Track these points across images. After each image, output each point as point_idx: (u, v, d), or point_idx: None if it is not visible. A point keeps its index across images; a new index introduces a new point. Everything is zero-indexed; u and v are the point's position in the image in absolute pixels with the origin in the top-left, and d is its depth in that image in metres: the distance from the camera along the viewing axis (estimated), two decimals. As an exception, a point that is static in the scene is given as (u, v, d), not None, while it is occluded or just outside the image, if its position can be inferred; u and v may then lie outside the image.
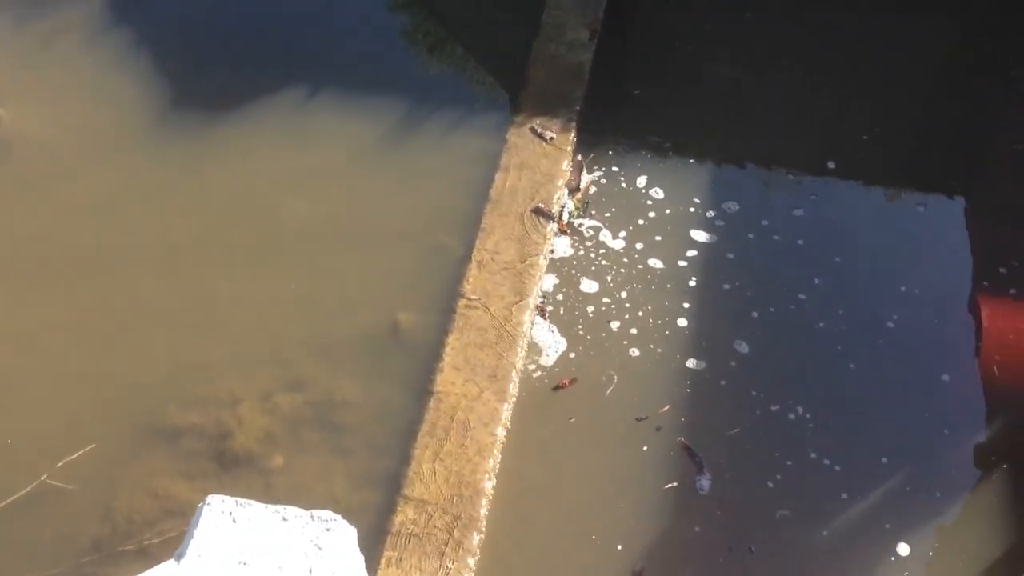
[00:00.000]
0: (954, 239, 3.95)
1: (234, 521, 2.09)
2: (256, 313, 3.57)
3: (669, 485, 3.21)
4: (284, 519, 2.13)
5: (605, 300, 3.67)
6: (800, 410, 3.39)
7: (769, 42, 4.69)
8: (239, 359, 3.41)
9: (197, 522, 2.09)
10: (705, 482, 3.21)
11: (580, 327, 3.59)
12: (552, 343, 3.55)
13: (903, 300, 3.71)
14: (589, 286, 3.71)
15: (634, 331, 3.59)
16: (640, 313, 3.63)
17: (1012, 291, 3.71)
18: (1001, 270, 3.80)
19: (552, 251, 3.78)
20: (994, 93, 4.54)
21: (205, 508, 2.11)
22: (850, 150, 4.24)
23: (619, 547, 3.08)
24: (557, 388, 3.44)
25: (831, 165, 4.17)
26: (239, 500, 2.13)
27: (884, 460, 3.27)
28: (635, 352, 3.54)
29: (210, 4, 4.81)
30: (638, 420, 3.35)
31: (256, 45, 4.62)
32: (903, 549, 3.09)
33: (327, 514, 2.18)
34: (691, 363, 3.51)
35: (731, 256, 3.81)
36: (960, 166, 4.24)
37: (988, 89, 4.54)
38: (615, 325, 3.60)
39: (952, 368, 3.52)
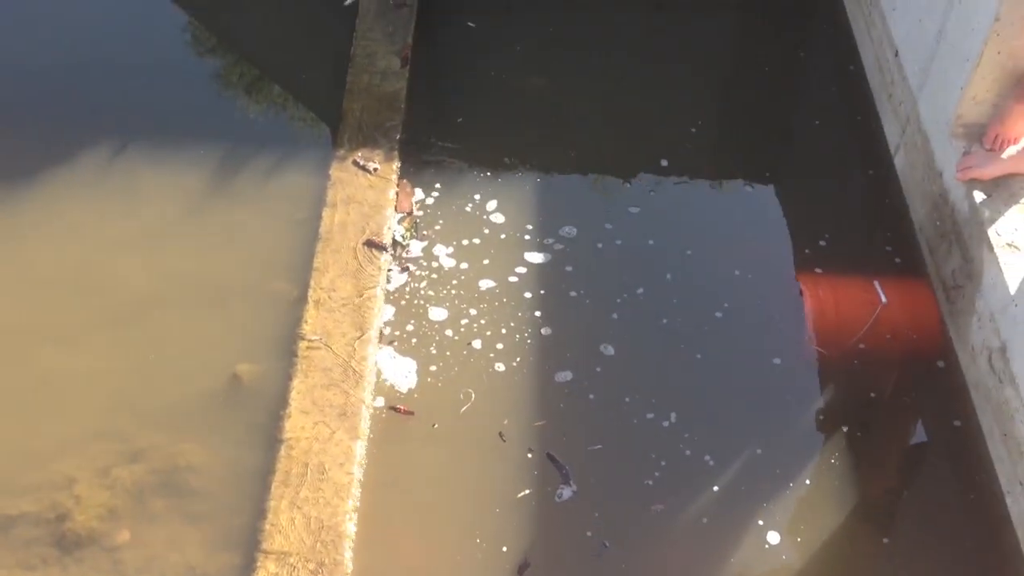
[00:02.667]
0: (777, 218, 4.12)
1: (69, 611, 1.98)
2: (86, 388, 3.41)
3: (522, 494, 3.22)
4: (124, 600, 2.03)
5: (463, 321, 3.65)
6: (664, 406, 3.45)
7: (579, 51, 4.80)
8: (70, 438, 3.24)
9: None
10: (567, 491, 3.23)
11: (435, 350, 3.57)
12: (405, 372, 3.51)
13: (736, 286, 3.83)
14: (438, 313, 3.69)
15: (500, 346, 3.59)
16: (503, 330, 3.63)
17: (829, 264, 3.88)
18: (820, 243, 3.98)
19: (389, 281, 3.75)
20: (790, 73, 4.78)
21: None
22: (680, 145, 4.38)
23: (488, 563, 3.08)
24: (393, 410, 3.41)
25: (664, 163, 4.29)
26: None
27: (758, 451, 3.35)
28: (500, 367, 3.53)
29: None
30: (501, 437, 3.35)
31: (62, 103, 4.41)
32: (773, 537, 3.17)
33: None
34: (560, 373, 3.53)
35: (579, 263, 3.86)
36: (773, 147, 4.45)
37: (784, 70, 4.77)
38: (477, 343, 3.60)
39: (782, 349, 3.63)
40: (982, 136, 3.66)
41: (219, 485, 3.16)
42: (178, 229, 3.91)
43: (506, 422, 3.39)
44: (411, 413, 3.41)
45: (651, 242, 3.97)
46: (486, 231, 3.95)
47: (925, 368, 3.61)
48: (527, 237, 3.94)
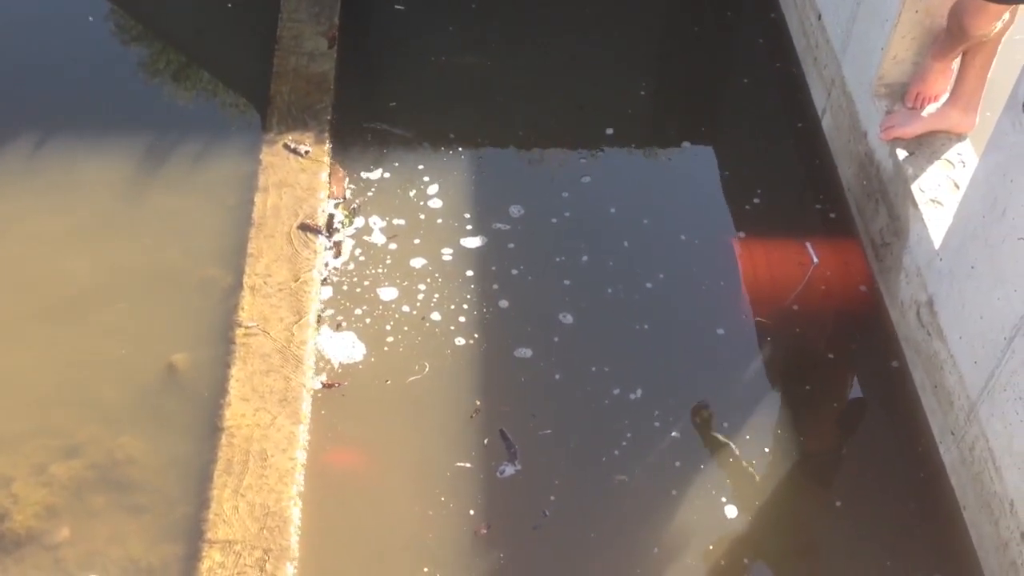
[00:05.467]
0: (716, 181, 4.15)
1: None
2: (19, 384, 3.35)
3: (460, 464, 3.24)
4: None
5: (419, 297, 3.65)
6: (621, 378, 3.46)
7: (512, 28, 4.78)
8: (5, 435, 3.19)
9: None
10: (509, 469, 3.24)
11: (390, 327, 3.57)
12: (354, 352, 3.50)
13: (681, 251, 3.86)
14: (389, 293, 3.67)
15: (462, 319, 3.59)
16: (465, 305, 3.63)
17: (765, 223, 3.93)
18: (755, 200, 4.03)
19: (327, 264, 3.72)
20: (718, 36, 4.84)
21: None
22: (623, 113, 4.40)
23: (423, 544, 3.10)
24: (325, 387, 3.40)
25: (609, 131, 4.31)
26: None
27: (724, 424, 3.38)
28: (460, 341, 3.53)
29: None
30: (473, 413, 3.36)
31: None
32: (730, 511, 3.19)
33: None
34: (520, 349, 3.54)
35: (528, 235, 3.87)
36: (709, 110, 4.51)
37: (713, 33, 4.83)
38: (436, 316, 3.60)
39: (724, 318, 3.66)
40: (904, 95, 3.72)
41: (160, 477, 3.14)
42: (110, 220, 3.85)
43: (473, 399, 3.39)
44: (334, 385, 3.41)
45: (612, 210, 3.99)
46: (422, 216, 3.93)
47: (861, 327, 3.68)
48: (468, 225, 3.91)
